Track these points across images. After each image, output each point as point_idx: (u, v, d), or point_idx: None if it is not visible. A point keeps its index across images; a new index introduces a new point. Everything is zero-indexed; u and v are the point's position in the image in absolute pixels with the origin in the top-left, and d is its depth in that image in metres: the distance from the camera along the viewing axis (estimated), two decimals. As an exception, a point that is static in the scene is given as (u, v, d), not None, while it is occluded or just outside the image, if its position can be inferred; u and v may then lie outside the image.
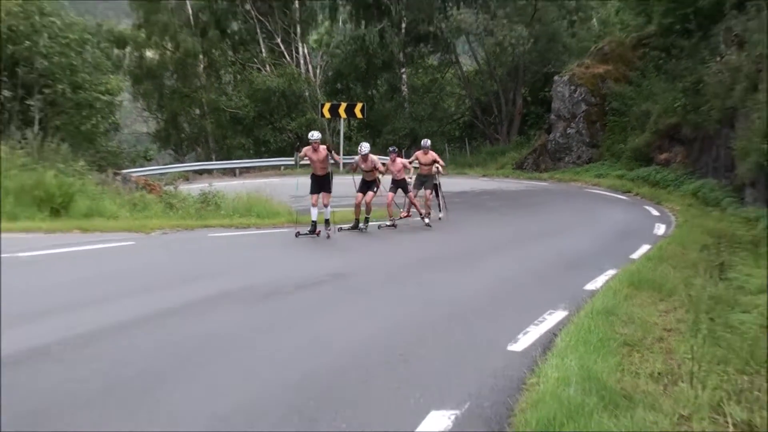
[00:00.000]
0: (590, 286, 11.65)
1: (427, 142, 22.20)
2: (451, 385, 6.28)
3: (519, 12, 51.22)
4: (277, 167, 47.20)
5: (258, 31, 56.90)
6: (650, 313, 9.89)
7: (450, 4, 56.35)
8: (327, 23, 62.21)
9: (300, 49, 57.46)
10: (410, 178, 21.39)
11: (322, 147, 17.47)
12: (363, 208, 18.74)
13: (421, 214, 20.69)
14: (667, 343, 8.38)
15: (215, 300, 9.59)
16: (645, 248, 16.60)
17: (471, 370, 6.80)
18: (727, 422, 5.84)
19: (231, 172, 45.41)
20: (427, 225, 20.55)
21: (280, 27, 56.84)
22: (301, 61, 57.18)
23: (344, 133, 49.88)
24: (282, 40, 56.91)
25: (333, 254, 15.10)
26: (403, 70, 57.15)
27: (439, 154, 22.45)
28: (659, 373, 7.11)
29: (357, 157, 19.26)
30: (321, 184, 17.53)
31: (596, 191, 34.20)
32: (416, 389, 6.13)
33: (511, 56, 51.65)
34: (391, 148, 21.49)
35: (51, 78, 26.07)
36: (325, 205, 17.30)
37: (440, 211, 22.16)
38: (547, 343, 7.89)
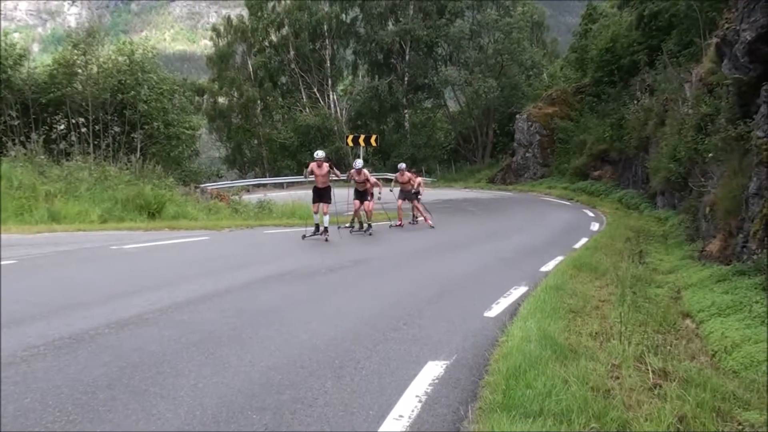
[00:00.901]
0: (544, 269, 11.52)
1: (401, 165, 20.58)
2: (442, 343, 6.18)
3: (490, 69, 51.43)
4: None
5: (300, 83, 57.25)
6: (589, 288, 9.78)
7: (440, 63, 56.74)
8: (350, 77, 62.58)
9: (330, 95, 57.71)
10: (380, 193, 18.52)
11: (325, 164, 15.65)
12: (363, 214, 17.77)
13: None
14: (601, 311, 8.27)
15: (266, 280, 9.50)
16: (584, 240, 16.49)
17: (457, 332, 6.69)
18: (647, 369, 5.72)
19: (280, 186, 45.40)
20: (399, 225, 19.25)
21: (316, 80, 57.13)
22: (332, 105, 57.41)
23: (363, 157, 49.91)
24: (317, 89, 57.18)
25: (354, 246, 15.00)
26: (405, 111, 57.32)
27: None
28: (596, 333, 7.00)
29: (352, 171, 17.76)
30: (321, 195, 15.49)
31: (548, 199, 34.07)
32: (416, 346, 6.03)
33: (484, 101, 51.65)
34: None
35: (149, 118, 26.12)
36: (324, 214, 15.27)
37: (415, 217, 20.49)
38: (513, 310, 7.76)
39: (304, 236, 15.02)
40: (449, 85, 54.71)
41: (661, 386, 5.31)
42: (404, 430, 4.11)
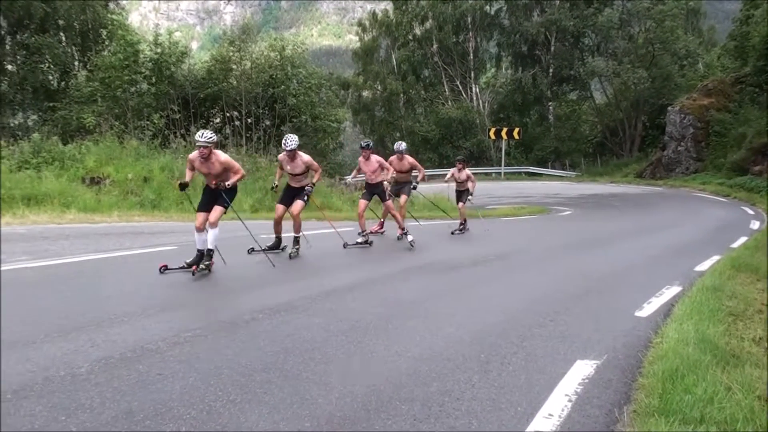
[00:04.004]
0: (699, 268, 10.86)
1: (400, 145, 14.31)
2: (592, 341, 5.95)
3: (640, 59, 49.29)
4: None
5: (443, 75, 57.50)
6: (750, 290, 9.13)
7: (587, 54, 55.14)
8: (493, 69, 62.17)
9: (473, 88, 57.50)
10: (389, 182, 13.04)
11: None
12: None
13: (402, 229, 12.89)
14: (765, 315, 7.70)
15: (409, 271, 9.57)
16: (743, 239, 15.43)
17: (606, 330, 6.43)
18: (821, 381, 5.26)
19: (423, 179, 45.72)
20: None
21: (459, 73, 57.11)
22: (474, 97, 57.19)
23: (505, 150, 49.72)
24: (460, 82, 57.22)
25: (496, 240, 14.81)
26: (549, 103, 56.26)
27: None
28: (760, 338, 6.52)
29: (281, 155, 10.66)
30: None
31: (701, 195, 32.26)
32: (564, 343, 5.84)
33: (633, 92, 49.68)
34: (363, 142, 13.45)
35: (297, 111, 27.09)
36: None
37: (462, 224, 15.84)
38: (666, 311, 7.36)
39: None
40: (596, 76, 53.01)
41: (838, 400, 4.87)
42: (555, 429, 3.99)
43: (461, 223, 15.84)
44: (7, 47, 30.96)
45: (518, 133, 50.27)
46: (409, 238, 12.27)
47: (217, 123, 28.74)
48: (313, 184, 10.74)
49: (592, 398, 4.52)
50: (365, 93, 59.79)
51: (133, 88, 26.08)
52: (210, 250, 8.38)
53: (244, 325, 5.91)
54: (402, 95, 58.03)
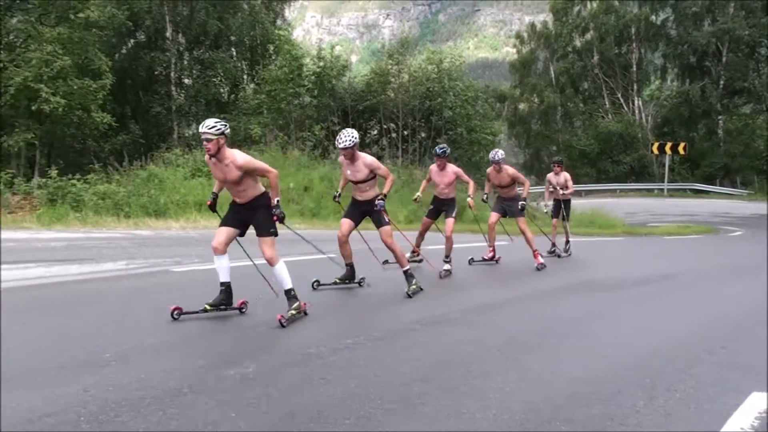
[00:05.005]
0: None
1: (496, 153, 11.11)
2: (768, 373, 5.55)
3: (825, 69, 45.46)
4: (613, 191, 46.68)
5: (603, 88, 55.83)
6: None
7: (763, 65, 51.66)
8: (658, 81, 59.50)
9: (635, 101, 55.44)
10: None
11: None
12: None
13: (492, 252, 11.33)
14: None
15: (568, 288, 9.37)
16: None
17: (785, 362, 5.97)
18: None
19: (578, 194, 44.61)
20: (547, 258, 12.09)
21: (620, 85, 55.25)
22: (636, 111, 55.13)
23: (669, 166, 47.68)
24: (621, 95, 55.33)
25: (661, 260, 14.15)
26: (719, 117, 53.02)
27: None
28: None
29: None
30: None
31: None
32: (737, 373, 5.47)
33: (818, 105, 45.93)
34: (439, 149, 10.22)
35: (453, 123, 27.25)
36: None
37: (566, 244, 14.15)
38: None
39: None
40: (773, 88, 49.56)
41: None
42: (729, 464, 3.76)
43: (553, 244, 13.70)
44: (185, 62, 33.35)
45: (684, 148, 48.01)
46: (446, 267, 9.89)
47: (374, 135, 29.53)
48: (385, 196, 8.04)
49: (770, 435, 4.22)
50: (521, 106, 59.28)
51: (297, 100, 27.26)
52: (289, 291, 6.52)
53: (402, 335, 6.02)
54: (560, 108, 56.98)
